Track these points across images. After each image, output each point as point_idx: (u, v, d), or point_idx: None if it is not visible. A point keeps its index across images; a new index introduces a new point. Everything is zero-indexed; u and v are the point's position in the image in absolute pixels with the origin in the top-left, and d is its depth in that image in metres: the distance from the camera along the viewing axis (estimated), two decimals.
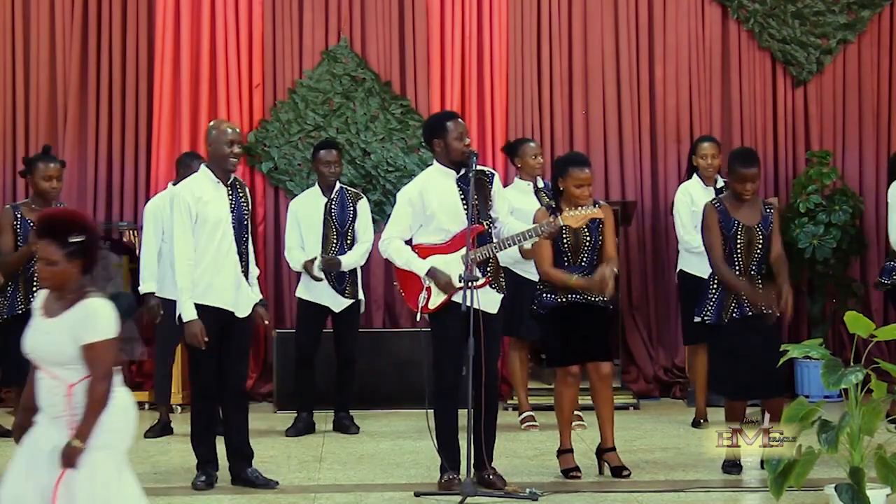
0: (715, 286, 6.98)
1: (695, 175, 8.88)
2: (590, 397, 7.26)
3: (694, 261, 8.48)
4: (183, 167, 8.58)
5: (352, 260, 8.65)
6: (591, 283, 6.85)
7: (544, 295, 6.98)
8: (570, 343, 6.94)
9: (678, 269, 8.98)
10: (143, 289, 8.52)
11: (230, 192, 6.82)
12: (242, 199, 6.86)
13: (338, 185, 8.80)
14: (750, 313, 6.85)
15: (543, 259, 6.97)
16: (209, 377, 6.86)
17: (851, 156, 10.71)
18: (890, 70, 10.77)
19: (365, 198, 8.94)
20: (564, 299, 6.91)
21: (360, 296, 8.79)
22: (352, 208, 8.72)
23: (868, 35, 10.74)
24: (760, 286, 6.90)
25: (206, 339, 6.65)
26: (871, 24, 10.73)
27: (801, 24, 10.65)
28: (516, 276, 8.69)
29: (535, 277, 8.16)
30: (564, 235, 6.86)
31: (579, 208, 6.72)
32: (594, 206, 6.77)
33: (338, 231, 8.65)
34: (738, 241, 6.89)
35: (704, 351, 8.75)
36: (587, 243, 6.92)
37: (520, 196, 8.50)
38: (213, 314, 6.73)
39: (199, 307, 6.70)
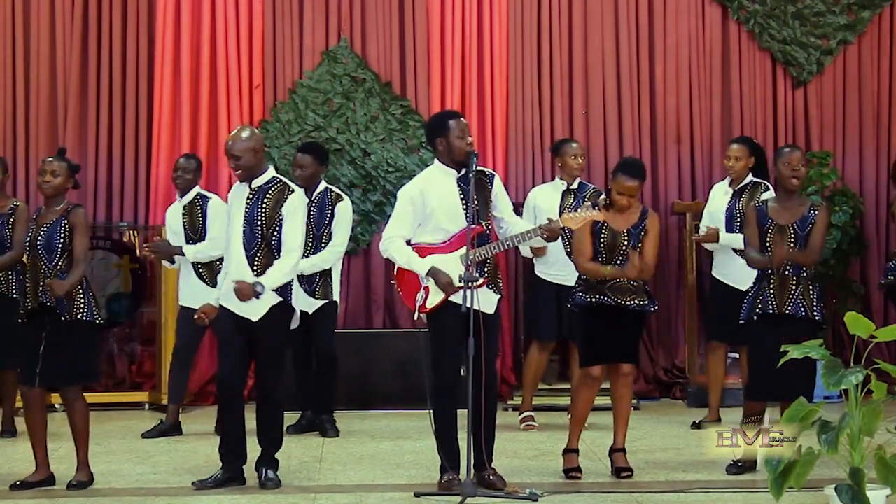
0: (753, 284, 7.03)
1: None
2: (600, 398, 7.31)
3: (725, 269, 8.53)
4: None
5: (305, 265, 8.31)
6: (623, 271, 6.86)
7: (578, 294, 7.01)
8: (596, 344, 6.95)
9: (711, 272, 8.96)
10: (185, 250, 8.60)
11: (251, 195, 6.84)
12: (265, 203, 6.81)
13: (323, 185, 8.74)
14: (772, 311, 6.86)
15: (580, 253, 7.00)
16: (225, 372, 6.88)
17: (851, 156, 10.72)
18: (890, 71, 10.78)
19: (346, 200, 8.80)
20: (594, 299, 6.92)
21: (335, 297, 8.67)
22: (330, 211, 8.64)
23: (868, 36, 10.75)
24: (795, 285, 6.90)
25: (207, 323, 6.98)
26: (872, 25, 10.74)
27: (801, 25, 10.66)
28: (537, 279, 8.73)
29: (556, 279, 8.29)
30: (602, 234, 6.91)
31: (579, 210, 6.74)
32: (595, 209, 6.77)
33: (313, 234, 8.52)
34: (769, 239, 6.92)
35: (721, 351, 8.76)
36: (624, 245, 6.93)
37: (547, 192, 8.80)
38: (231, 316, 6.80)
39: (221, 306, 6.88)
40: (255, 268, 6.79)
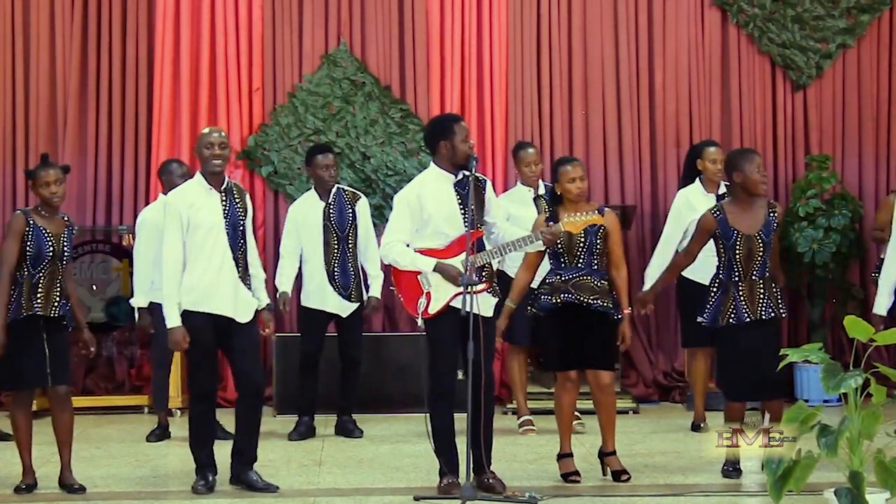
0: (716, 289, 6.98)
1: (697, 180, 8.81)
2: (590, 401, 7.25)
3: (693, 266, 8.48)
4: (166, 175, 8.56)
5: (377, 286, 8.71)
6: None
7: (541, 297, 6.99)
8: (567, 348, 6.93)
9: None
10: (134, 302, 8.59)
11: (224, 198, 6.79)
12: (238, 205, 6.82)
13: (335, 187, 8.79)
14: (747, 319, 6.85)
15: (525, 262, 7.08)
16: (206, 381, 6.88)
17: (851, 160, 10.73)
18: (889, 74, 10.79)
19: (364, 198, 8.89)
20: (559, 300, 6.91)
21: (365, 296, 8.73)
22: (350, 211, 8.69)
23: (867, 39, 10.76)
24: (762, 289, 6.90)
25: (188, 345, 6.70)
26: (871, 29, 10.75)
27: (800, 29, 10.66)
28: (509, 279, 8.68)
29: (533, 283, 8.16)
30: (559, 239, 6.87)
31: (578, 214, 6.73)
32: (594, 213, 6.77)
33: (338, 236, 8.62)
34: (738, 250, 6.88)
35: (703, 355, 8.75)
36: (582, 245, 6.92)
37: (517, 204, 8.53)
38: (211, 320, 6.73)
39: (195, 313, 6.70)
40: (239, 268, 6.79)
